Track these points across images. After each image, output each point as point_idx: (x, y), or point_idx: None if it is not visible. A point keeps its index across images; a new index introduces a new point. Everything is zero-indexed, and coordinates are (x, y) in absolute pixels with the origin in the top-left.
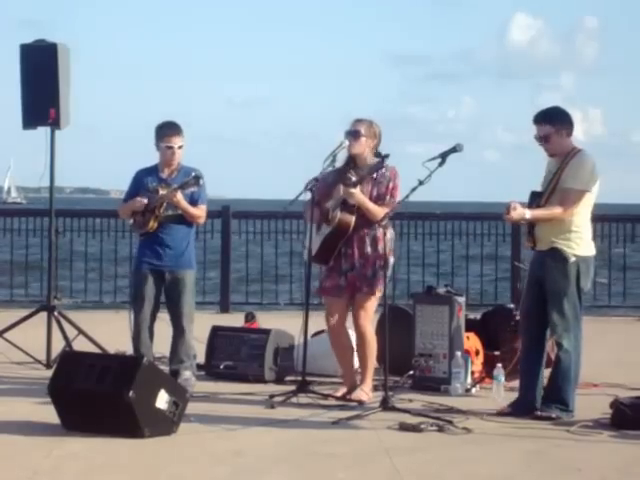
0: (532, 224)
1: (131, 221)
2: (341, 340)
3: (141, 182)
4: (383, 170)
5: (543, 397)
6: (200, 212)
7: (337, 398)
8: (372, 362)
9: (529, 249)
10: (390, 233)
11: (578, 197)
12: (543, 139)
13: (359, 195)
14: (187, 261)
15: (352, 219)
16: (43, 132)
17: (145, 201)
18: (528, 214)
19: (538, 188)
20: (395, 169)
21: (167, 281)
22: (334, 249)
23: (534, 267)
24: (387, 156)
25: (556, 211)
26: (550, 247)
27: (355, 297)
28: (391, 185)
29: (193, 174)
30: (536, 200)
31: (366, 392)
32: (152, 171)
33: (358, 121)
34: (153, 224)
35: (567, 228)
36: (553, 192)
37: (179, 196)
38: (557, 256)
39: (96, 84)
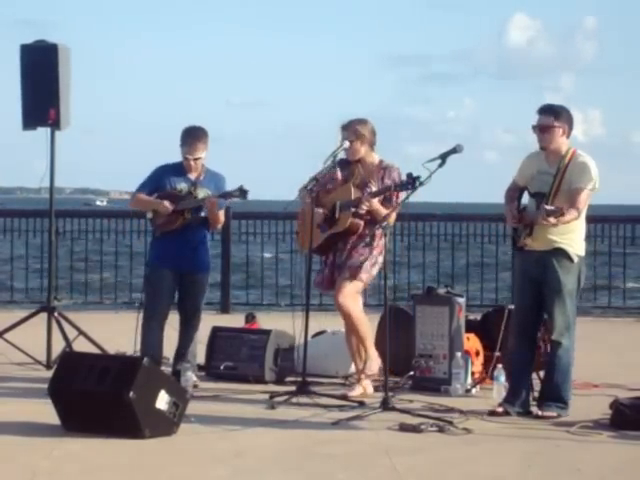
0: (532, 224)
1: (150, 215)
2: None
3: (165, 179)
4: (392, 173)
5: (541, 396)
6: (222, 217)
7: (345, 398)
8: (370, 343)
9: (523, 249)
10: (389, 234)
11: (588, 196)
12: (542, 129)
13: (376, 204)
14: (205, 263)
15: (362, 223)
16: (43, 133)
17: (171, 208)
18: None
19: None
20: (399, 169)
21: (184, 281)
22: (334, 245)
23: (531, 267)
24: (418, 178)
25: (574, 214)
26: (553, 247)
27: (337, 282)
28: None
29: (239, 186)
30: (539, 201)
31: (364, 386)
32: (178, 170)
33: (344, 129)
34: (179, 224)
35: (569, 228)
36: (557, 193)
37: (214, 210)
38: (562, 256)
39: (96, 84)
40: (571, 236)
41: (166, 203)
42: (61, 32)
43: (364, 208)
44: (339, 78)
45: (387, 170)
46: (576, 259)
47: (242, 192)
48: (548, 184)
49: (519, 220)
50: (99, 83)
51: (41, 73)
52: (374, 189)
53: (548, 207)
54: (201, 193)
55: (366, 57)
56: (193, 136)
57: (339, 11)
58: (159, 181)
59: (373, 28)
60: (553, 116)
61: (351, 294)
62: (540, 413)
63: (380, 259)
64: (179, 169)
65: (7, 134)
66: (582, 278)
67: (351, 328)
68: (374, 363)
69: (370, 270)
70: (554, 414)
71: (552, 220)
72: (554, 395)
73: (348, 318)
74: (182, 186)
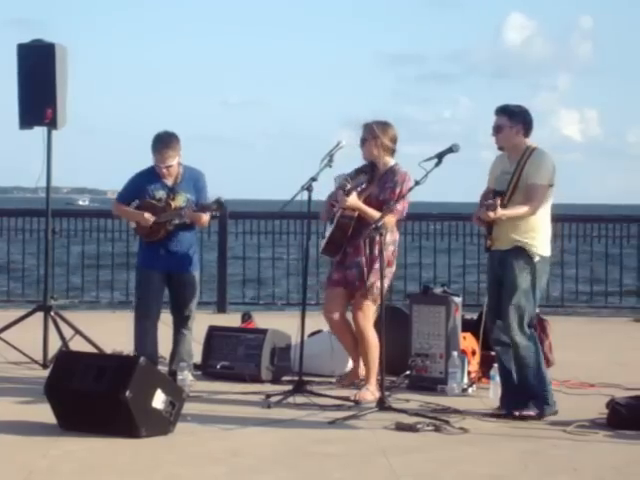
0: (491, 223)
1: (133, 224)
2: (341, 326)
3: (142, 187)
4: (395, 176)
5: (518, 397)
6: (207, 218)
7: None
8: (375, 362)
9: (490, 249)
10: (390, 237)
11: (543, 192)
12: (496, 129)
13: (352, 202)
14: (193, 263)
15: (349, 223)
16: (40, 132)
17: (152, 220)
18: (500, 213)
19: None
20: (406, 174)
21: (173, 282)
22: (340, 244)
23: (495, 267)
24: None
25: (525, 209)
26: (513, 246)
27: (354, 296)
28: (398, 190)
29: (215, 198)
30: (497, 198)
31: (372, 392)
32: (154, 176)
33: (364, 127)
34: (162, 234)
35: (530, 227)
36: (515, 191)
37: (195, 216)
38: (520, 255)
39: (94, 84)
40: (533, 235)
41: (147, 215)
42: (59, 31)
43: (344, 205)
44: (337, 77)
45: (391, 173)
46: (537, 258)
47: (219, 205)
48: (508, 182)
49: (481, 221)
50: (98, 83)
51: (38, 72)
52: (349, 186)
53: (488, 202)
54: (180, 198)
55: (364, 56)
56: (162, 143)
57: (337, 10)
58: (137, 189)
59: (369, 28)
60: (506, 116)
61: (370, 314)
62: (517, 413)
63: (392, 268)
64: (155, 174)
65: (4, 134)
66: (544, 278)
67: (362, 347)
68: (369, 394)
69: (381, 281)
70: (531, 413)
71: (491, 215)
72: (529, 394)
73: (363, 338)
74: (160, 194)
